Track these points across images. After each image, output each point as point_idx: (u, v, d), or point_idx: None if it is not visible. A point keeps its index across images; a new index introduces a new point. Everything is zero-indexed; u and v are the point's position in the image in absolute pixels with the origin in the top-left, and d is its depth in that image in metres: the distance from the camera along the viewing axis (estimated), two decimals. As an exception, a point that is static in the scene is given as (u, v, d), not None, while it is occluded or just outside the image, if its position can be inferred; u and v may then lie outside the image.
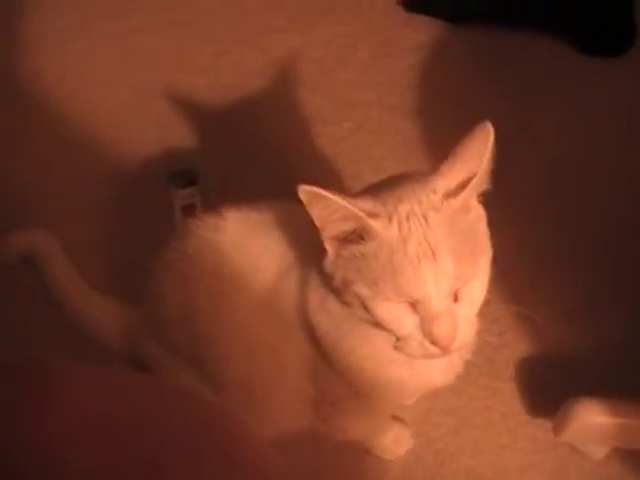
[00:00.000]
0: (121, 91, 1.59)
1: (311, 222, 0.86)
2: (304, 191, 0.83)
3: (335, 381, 1.01)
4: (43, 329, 1.30)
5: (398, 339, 0.89)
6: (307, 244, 0.96)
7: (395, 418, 1.22)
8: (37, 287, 1.31)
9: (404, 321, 0.86)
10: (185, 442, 0.67)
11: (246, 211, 1.05)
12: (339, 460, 1.23)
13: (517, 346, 1.33)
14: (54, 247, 1.31)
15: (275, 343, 1.02)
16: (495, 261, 0.89)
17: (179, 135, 1.54)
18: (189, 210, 1.42)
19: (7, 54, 1.63)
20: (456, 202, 0.85)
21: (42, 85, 1.59)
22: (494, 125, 0.84)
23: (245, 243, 1.02)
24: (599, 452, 1.23)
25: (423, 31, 1.69)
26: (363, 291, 0.86)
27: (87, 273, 1.32)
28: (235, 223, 1.04)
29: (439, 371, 0.99)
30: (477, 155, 0.85)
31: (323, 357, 0.99)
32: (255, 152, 1.53)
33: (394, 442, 1.23)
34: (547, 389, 1.27)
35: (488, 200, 0.89)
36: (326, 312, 0.95)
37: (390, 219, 0.84)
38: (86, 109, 1.56)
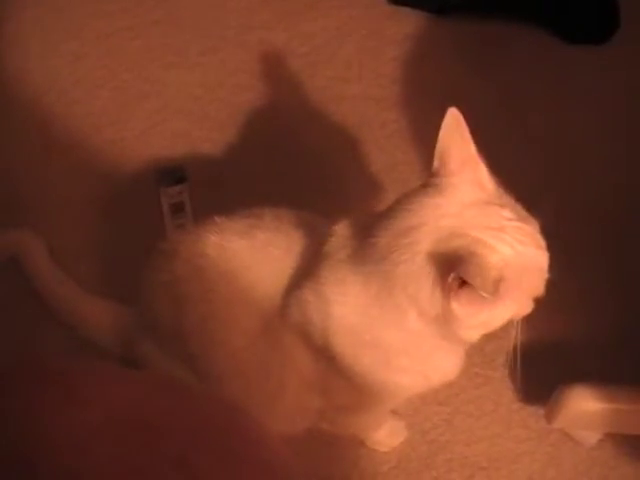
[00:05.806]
0: (110, 91, 1.59)
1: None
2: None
3: (346, 390, 1.01)
4: (32, 327, 1.30)
5: None
6: (314, 253, 0.97)
7: (389, 410, 1.22)
8: (27, 286, 1.31)
9: None
10: (207, 441, 0.68)
11: (235, 224, 1.04)
12: (335, 452, 1.24)
13: (507, 334, 1.33)
14: (38, 246, 1.31)
15: (273, 365, 1.01)
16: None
17: (167, 133, 1.54)
18: (178, 208, 1.42)
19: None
20: None
21: (31, 86, 1.58)
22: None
23: (237, 264, 1.01)
24: (592, 438, 1.24)
25: (407, 23, 1.69)
26: None
27: (77, 273, 1.32)
28: (224, 240, 1.02)
29: (454, 365, 1.01)
30: None
31: (338, 370, 0.97)
32: (243, 149, 1.53)
33: (389, 434, 1.23)
34: (539, 376, 1.27)
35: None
36: (349, 325, 0.94)
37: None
38: (75, 110, 1.56)
